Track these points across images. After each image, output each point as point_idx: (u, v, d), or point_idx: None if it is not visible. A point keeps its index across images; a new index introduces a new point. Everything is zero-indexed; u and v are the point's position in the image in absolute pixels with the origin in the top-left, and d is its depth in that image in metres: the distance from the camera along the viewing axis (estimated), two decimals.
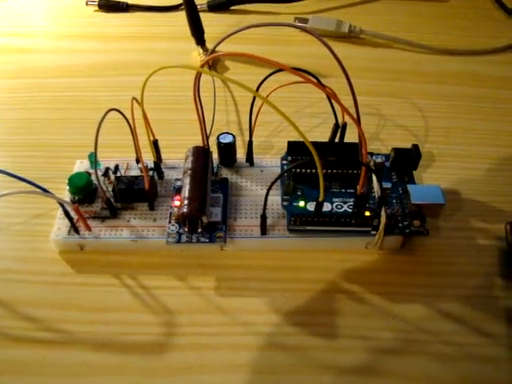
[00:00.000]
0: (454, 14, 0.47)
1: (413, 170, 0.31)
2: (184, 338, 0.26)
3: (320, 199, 0.25)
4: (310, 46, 0.41)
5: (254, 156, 0.31)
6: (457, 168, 0.34)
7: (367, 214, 0.28)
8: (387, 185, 0.30)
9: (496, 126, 0.36)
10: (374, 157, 0.31)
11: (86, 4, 0.46)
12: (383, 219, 0.27)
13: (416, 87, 0.39)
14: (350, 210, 0.28)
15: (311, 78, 0.25)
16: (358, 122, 0.24)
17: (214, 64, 0.40)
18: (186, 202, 0.27)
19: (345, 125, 0.30)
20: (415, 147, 0.30)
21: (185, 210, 0.26)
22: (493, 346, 0.26)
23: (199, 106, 0.27)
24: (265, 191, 0.26)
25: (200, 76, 0.26)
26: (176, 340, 0.26)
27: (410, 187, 0.29)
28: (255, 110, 0.28)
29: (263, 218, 0.27)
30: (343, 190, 0.29)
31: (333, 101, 0.26)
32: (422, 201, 0.28)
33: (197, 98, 0.27)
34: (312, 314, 0.27)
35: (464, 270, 0.29)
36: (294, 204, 0.28)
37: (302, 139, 0.23)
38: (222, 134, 0.30)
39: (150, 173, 0.29)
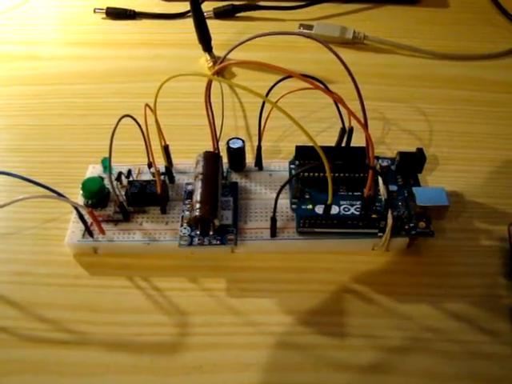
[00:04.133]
0: (455, 20, 0.48)
1: (418, 173, 0.31)
2: (196, 337, 0.27)
3: (329, 202, 0.26)
4: (316, 52, 0.42)
5: (263, 160, 0.32)
6: (460, 171, 0.34)
7: (374, 216, 0.28)
8: (393, 188, 0.31)
9: (497, 129, 0.37)
10: (379, 160, 0.32)
11: (94, 12, 0.47)
12: (390, 221, 0.28)
13: (419, 92, 0.40)
14: (358, 213, 0.29)
15: (319, 84, 0.25)
16: (365, 126, 0.25)
17: (221, 71, 0.40)
18: (197, 205, 0.27)
19: (351, 129, 0.31)
20: (420, 151, 0.31)
21: (197, 213, 0.27)
22: (497, 344, 0.27)
23: (210, 113, 0.28)
24: (274, 195, 0.27)
25: (211, 83, 0.27)
26: (188, 340, 0.26)
27: (415, 189, 0.29)
28: (264, 115, 0.29)
29: (273, 220, 0.28)
30: (350, 193, 0.30)
31: (340, 106, 0.27)
32: (427, 203, 0.29)
33: (208, 104, 0.27)
34: (321, 313, 0.28)
35: (468, 271, 0.29)
36: (303, 207, 0.29)
37: (309, 144, 0.23)
38: (232, 139, 0.31)
39: (162, 177, 0.30)
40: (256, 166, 0.32)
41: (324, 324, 0.27)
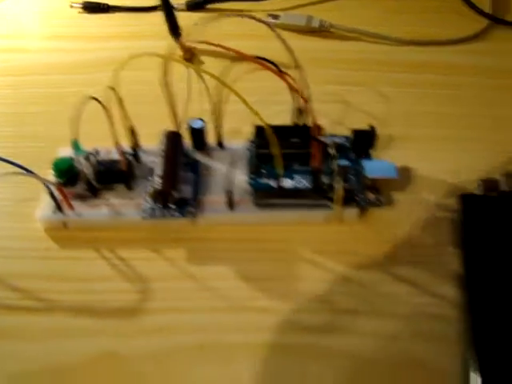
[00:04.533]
0: (422, 8, 0.50)
1: (370, 149, 0.33)
2: (157, 302, 0.28)
3: (278, 172, 0.28)
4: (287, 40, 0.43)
5: (225, 140, 0.34)
6: (416, 149, 0.36)
7: (324, 187, 0.30)
8: (346, 162, 0.32)
9: (454, 110, 0.39)
10: (334, 138, 0.33)
11: (71, 7, 0.48)
12: (339, 192, 0.30)
13: (384, 76, 0.42)
14: (309, 185, 0.31)
15: (270, 65, 0.27)
16: (305, 99, 0.27)
17: (191, 57, 0.42)
18: (158, 179, 0.29)
19: (304, 109, 0.33)
20: (372, 128, 0.33)
21: (157, 187, 0.29)
22: (444, 306, 0.28)
23: (168, 92, 0.30)
24: (231, 170, 0.28)
25: (168, 63, 0.29)
26: (150, 305, 0.28)
27: (364, 162, 0.31)
28: (224, 97, 0.31)
29: (229, 192, 0.30)
30: (304, 168, 0.32)
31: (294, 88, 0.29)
32: (376, 174, 0.31)
33: (165, 84, 0.29)
34: (276, 280, 0.29)
35: (419, 239, 0.31)
36: (259, 181, 0.31)
37: (269, 124, 0.26)
38: (193, 119, 0.33)
39: (128, 157, 0.32)
40: (218, 145, 0.34)
41: (279, 289, 0.29)
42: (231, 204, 0.30)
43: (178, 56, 0.42)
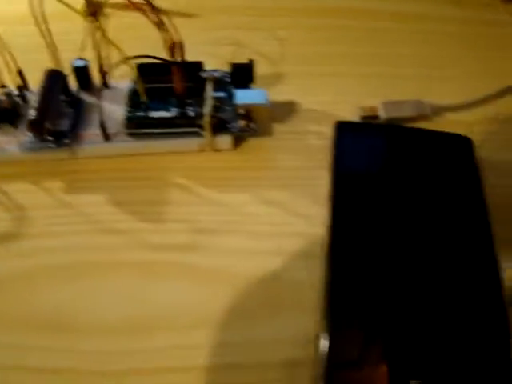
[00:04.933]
0: None
1: (250, 83, 0.34)
2: (34, 228, 0.30)
3: (142, 100, 0.30)
4: None
5: (110, 80, 0.35)
6: (302, 84, 0.37)
7: (192, 115, 0.31)
8: (222, 94, 0.33)
9: (342, 48, 0.40)
10: (214, 72, 0.35)
11: None
12: (207, 119, 0.31)
13: (281, 21, 0.43)
14: (177, 114, 0.32)
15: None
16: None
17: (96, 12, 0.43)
18: (33, 111, 0.31)
19: (179, 44, 0.34)
20: (250, 61, 0.34)
21: (31, 117, 0.30)
22: (308, 225, 0.30)
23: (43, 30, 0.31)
24: (114, 107, 0.31)
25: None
26: (27, 230, 0.30)
27: (236, 91, 0.32)
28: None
29: (102, 123, 0.31)
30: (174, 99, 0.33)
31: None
32: (245, 101, 0.32)
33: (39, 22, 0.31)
34: (145, 204, 0.31)
35: (292, 165, 0.32)
36: (133, 113, 0.32)
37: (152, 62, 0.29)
38: (76, 59, 0.34)
39: (16, 98, 0.33)
40: (102, 84, 0.35)
41: (147, 213, 0.30)
42: (106, 136, 0.31)
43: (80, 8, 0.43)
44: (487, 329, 0.24)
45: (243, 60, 0.34)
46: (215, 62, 0.35)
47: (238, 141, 0.33)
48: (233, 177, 0.31)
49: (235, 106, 0.32)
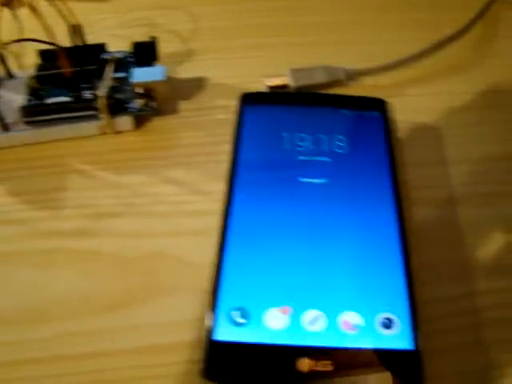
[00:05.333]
0: None
1: (153, 61, 0.33)
2: None
3: (35, 86, 0.29)
4: None
5: (12, 69, 0.34)
6: (213, 59, 0.37)
7: (87, 97, 0.30)
8: (123, 74, 0.32)
9: (254, 21, 0.39)
10: (115, 53, 0.34)
11: None
12: (102, 101, 0.30)
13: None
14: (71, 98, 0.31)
15: None
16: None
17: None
18: None
19: (78, 27, 0.33)
20: (153, 39, 0.33)
21: None
22: (208, 201, 0.29)
23: None
24: (16, 96, 0.30)
25: None
26: None
27: (133, 69, 0.31)
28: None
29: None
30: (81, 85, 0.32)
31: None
32: (142, 79, 0.31)
33: None
34: (45, 192, 0.30)
35: (196, 142, 0.32)
36: (30, 101, 0.31)
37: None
38: None
39: None
40: (7, 75, 0.34)
41: (46, 201, 0.29)
42: (4, 126, 0.30)
43: None
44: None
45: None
46: (127, 44, 0.34)
47: (141, 121, 0.32)
48: (134, 158, 0.31)
49: (133, 85, 0.31)
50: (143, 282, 0.26)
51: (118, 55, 0.33)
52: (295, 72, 0.33)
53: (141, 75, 0.31)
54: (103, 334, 0.24)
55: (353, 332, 0.22)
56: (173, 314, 0.25)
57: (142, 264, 0.27)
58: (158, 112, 0.32)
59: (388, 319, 0.22)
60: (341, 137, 0.29)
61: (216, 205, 0.27)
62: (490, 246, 0.27)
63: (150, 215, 0.28)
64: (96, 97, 0.30)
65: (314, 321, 0.22)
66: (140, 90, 0.31)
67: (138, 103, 0.31)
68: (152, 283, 0.26)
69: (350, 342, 0.22)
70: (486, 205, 0.28)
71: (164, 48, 0.35)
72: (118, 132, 0.32)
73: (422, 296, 0.24)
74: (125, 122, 0.31)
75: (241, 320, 0.22)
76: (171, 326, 0.24)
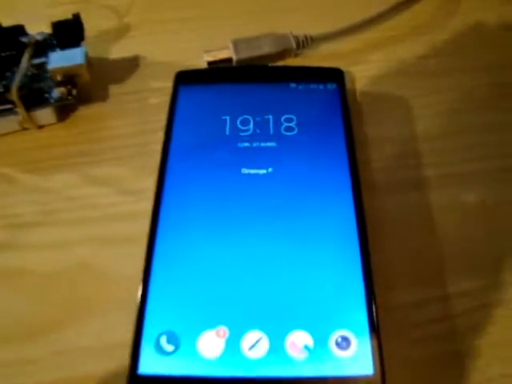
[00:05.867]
0: None
1: (81, 41, 0.29)
2: None
3: None
4: None
5: None
6: (146, 36, 0.32)
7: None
8: (42, 60, 0.28)
9: None
10: (36, 36, 0.29)
11: None
12: (13, 92, 0.26)
13: None
14: None
15: None
16: None
17: None
18: None
19: None
20: (75, 16, 0.29)
21: None
22: (141, 201, 0.25)
23: None
24: None
25: None
26: None
27: (51, 54, 0.27)
28: None
29: None
30: None
31: None
32: (59, 64, 0.26)
33: None
34: None
35: (127, 132, 0.28)
36: None
37: None
38: None
39: None
40: None
41: None
42: None
43: None
44: None
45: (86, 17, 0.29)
46: None
47: (66, 112, 0.28)
48: (58, 156, 0.27)
49: (50, 72, 0.26)
50: (69, 300, 0.22)
51: (37, 37, 0.29)
52: (238, 43, 0.29)
53: (57, 60, 0.27)
54: (24, 365, 0.21)
55: (302, 356, 0.18)
56: (102, 338, 0.21)
57: (68, 279, 0.23)
58: (83, 100, 0.28)
59: (344, 338, 0.18)
60: (291, 116, 0.24)
61: (149, 203, 0.23)
62: (465, 239, 0.23)
63: (76, 222, 0.25)
64: (8, 88, 0.26)
65: (254, 345, 0.18)
66: (58, 77, 0.27)
67: (57, 92, 0.26)
68: (79, 301, 0.22)
69: (299, 369, 0.18)
70: (463, 187, 0.24)
71: (97, 25, 0.31)
72: (41, 126, 0.27)
73: (387, 303, 0.20)
74: (46, 114, 0.27)
75: (169, 347, 0.18)
76: (99, 351, 0.21)
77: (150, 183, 0.24)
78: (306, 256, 0.20)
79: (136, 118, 0.28)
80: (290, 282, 0.20)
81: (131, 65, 0.30)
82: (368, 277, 0.19)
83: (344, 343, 0.18)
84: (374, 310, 0.19)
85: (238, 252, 0.20)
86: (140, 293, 0.20)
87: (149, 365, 0.18)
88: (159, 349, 0.19)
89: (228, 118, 0.25)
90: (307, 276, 0.20)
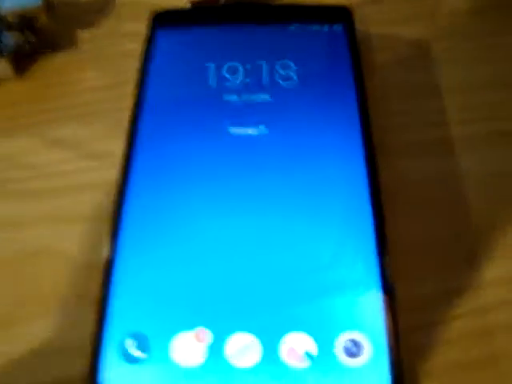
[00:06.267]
0: None
1: None
2: None
3: None
4: None
5: None
6: None
7: None
8: None
9: None
10: None
11: None
12: None
13: None
14: None
15: None
16: None
17: None
18: None
19: None
20: None
21: None
22: (107, 168, 0.20)
23: None
24: None
25: None
26: None
27: None
28: None
29: None
30: None
31: None
32: (14, 5, 0.22)
33: None
34: None
35: (96, 85, 0.24)
36: None
37: None
38: None
39: None
40: None
41: None
42: None
43: None
44: None
45: None
46: None
47: (24, 63, 0.23)
48: (16, 115, 0.23)
49: (4, 16, 0.22)
50: (20, 293, 0.18)
51: None
52: None
53: (11, 0, 0.22)
54: None
55: (302, 365, 0.14)
56: (58, 339, 0.17)
57: (19, 267, 0.19)
58: (45, 48, 0.23)
59: (354, 342, 0.14)
60: (288, 63, 0.20)
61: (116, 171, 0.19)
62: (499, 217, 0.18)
63: (28, 195, 0.20)
64: None
65: (243, 351, 0.14)
66: (14, 21, 0.22)
67: (11, 39, 0.22)
68: (32, 295, 0.18)
69: (299, 381, 0.14)
70: (498, 150, 0.20)
71: None
72: None
73: (406, 295, 0.16)
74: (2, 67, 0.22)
75: (137, 353, 0.14)
76: (55, 356, 0.17)
77: (120, 147, 0.19)
78: (306, 240, 0.16)
79: (106, 68, 0.24)
80: (286, 272, 0.16)
81: (103, 3, 0.25)
82: (384, 263, 0.15)
83: (354, 348, 0.14)
84: (391, 306, 0.15)
85: (223, 236, 0.16)
86: (102, 285, 0.16)
87: (112, 373, 0.15)
88: (125, 354, 0.15)
89: (212, 65, 0.20)
90: (308, 265, 0.16)
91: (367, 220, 0.16)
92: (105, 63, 0.24)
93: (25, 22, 0.23)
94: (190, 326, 0.15)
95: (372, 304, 0.15)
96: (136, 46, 0.23)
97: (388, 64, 0.22)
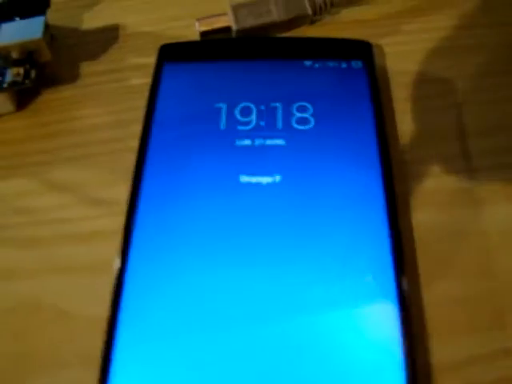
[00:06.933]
0: None
1: (45, 8, 0.23)
2: None
3: None
4: None
5: None
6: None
7: None
8: None
9: None
10: None
11: None
12: None
13: None
14: None
15: None
16: None
17: None
18: None
19: None
20: None
21: None
22: (108, 216, 0.20)
23: None
24: None
25: None
26: None
27: (2, 25, 0.21)
28: None
29: None
30: None
31: None
32: (13, 39, 0.21)
33: None
34: None
35: (100, 122, 0.22)
36: None
37: None
38: None
39: None
40: None
41: None
42: None
43: None
44: None
45: None
46: None
47: (26, 98, 0.22)
48: (13, 154, 0.21)
49: (3, 49, 0.21)
50: (11, 352, 0.17)
51: None
52: (239, 8, 0.23)
53: (11, 33, 0.21)
54: None
55: None
56: None
57: (11, 322, 0.17)
58: (48, 83, 0.22)
59: None
60: (305, 105, 0.18)
61: (120, 220, 0.18)
62: None
63: (23, 244, 0.19)
64: None
65: None
66: (14, 54, 0.21)
67: (11, 74, 0.21)
68: (25, 354, 0.17)
69: None
70: None
71: None
72: None
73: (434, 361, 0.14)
74: (2, 101, 0.21)
75: None
76: None
77: (124, 193, 0.18)
78: (327, 299, 0.14)
79: (110, 104, 0.22)
80: (303, 336, 0.14)
81: (108, 36, 0.24)
82: (408, 331, 0.14)
83: None
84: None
85: (235, 293, 0.15)
86: (103, 347, 0.14)
87: None
88: None
89: (224, 106, 0.19)
90: (328, 329, 0.14)
91: (389, 280, 0.15)
92: (108, 100, 0.23)
93: (27, 55, 0.22)
94: None
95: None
96: (141, 82, 0.22)
97: (407, 103, 0.21)
